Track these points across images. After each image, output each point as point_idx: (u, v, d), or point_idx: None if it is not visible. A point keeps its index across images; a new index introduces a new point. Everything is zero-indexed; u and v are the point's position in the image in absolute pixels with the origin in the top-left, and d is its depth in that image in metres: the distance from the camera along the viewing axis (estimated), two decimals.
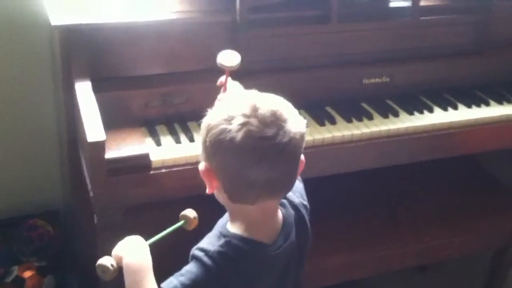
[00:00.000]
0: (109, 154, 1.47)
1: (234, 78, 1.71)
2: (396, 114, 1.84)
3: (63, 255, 2.19)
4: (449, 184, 2.24)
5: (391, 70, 1.92)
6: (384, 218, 2.03)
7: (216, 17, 1.74)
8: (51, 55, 2.01)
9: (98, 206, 1.51)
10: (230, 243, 1.17)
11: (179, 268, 1.19)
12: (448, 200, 2.15)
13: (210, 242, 1.18)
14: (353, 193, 2.13)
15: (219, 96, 1.58)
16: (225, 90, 1.56)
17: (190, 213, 1.33)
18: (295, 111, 1.16)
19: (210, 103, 1.69)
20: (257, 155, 1.09)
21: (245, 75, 1.74)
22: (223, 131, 1.10)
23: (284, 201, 1.28)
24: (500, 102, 1.99)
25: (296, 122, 1.13)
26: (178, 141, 1.62)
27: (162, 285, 1.15)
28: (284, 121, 1.11)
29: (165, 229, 1.25)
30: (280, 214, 1.25)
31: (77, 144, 1.72)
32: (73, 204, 1.92)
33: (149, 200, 1.57)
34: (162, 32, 1.69)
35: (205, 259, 1.14)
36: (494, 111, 1.94)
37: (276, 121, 1.10)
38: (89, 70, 1.60)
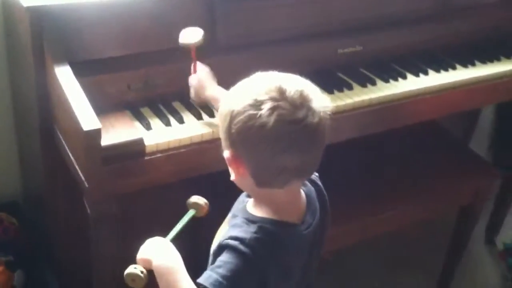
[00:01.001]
0: (103, 141, 1.39)
1: (213, 54, 1.68)
2: (373, 83, 1.86)
3: (30, 248, 2.09)
4: (412, 148, 2.29)
5: (363, 39, 1.93)
6: (357, 188, 2.04)
7: None
8: (5, 39, 1.87)
9: (92, 197, 1.44)
10: (263, 228, 1.13)
11: None
12: (413, 164, 2.19)
13: (242, 230, 1.14)
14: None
15: (190, 79, 1.56)
16: (195, 71, 1.53)
17: (199, 200, 1.30)
18: (317, 89, 1.13)
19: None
20: (290, 139, 1.06)
21: (223, 51, 1.71)
22: (252, 117, 1.05)
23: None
24: (465, 65, 2.04)
25: (322, 100, 1.11)
26: (168, 123, 1.56)
27: (199, 280, 1.10)
28: (311, 100, 1.08)
29: (168, 225, 1.21)
30: (302, 192, 1.23)
31: (51, 132, 1.62)
32: (47, 195, 1.81)
33: (143, 187, 1.52)
34: (137, 10, 1.61)
35: (242, 247, 1.10)
36: (461, 74, 1.99)
37: (304, 102, 1.07)
38: (66, 54, 1.50)
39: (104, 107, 1.51)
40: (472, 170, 2.19)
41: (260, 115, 1.05)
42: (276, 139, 1.06)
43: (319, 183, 1.30)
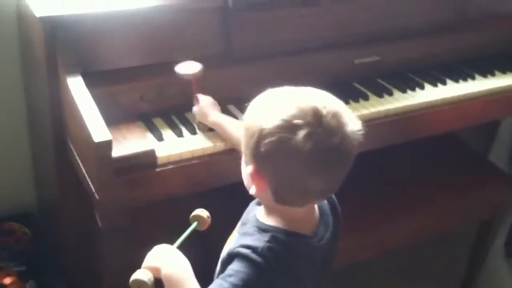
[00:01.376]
0: (114, 152, 1.37)
1: (228, 65, 1.67)
2: (390, 93, 1.83)
3: (42, 258, 2.08)
4: (430, 160, 2.24)
5: (380, 49, 1.91)
6: (374, 200, 2.00)
7: (207, 2, 1.66)
8: (20, 49, 1.87)
9: (103, 209, 1.42)
10: (276, 238, 1.10)
11: None
12: (431, 176, 2.15)
13: (254, 238, 1.11)
14: None
15: (194, 109, 1.56)
16: (197, 101, 1.51)
17: (202, 212, 1.27)
18: (349, 110, 1.10)
19: (205, 92, 1.64)
20: (321, 166, 1.04)
21: (238, 62, 1.70)
22: (285, 140, 1.02)
23: None
24: (484, 75, 2.01)
25: (354, 125, 1.07)
26: (180, 134, 1.54)
27: None
28: (345, 124, 1.05)
29: (176, 236, 1.19)
30: (317, 211, 1.20)
31: (64, 144, 1.61)
32: (60, 206, 1.80)
33: (154, 199, 1.50)
34: (151, 20, 1.60)
35: (254, 256, 1.07)
36: (480, 85, 1.96)
37: (339, 127, 1.04)
38: (79, 64, 1.50)
39: (117, 117, 1.50)
40: (492, 183, 2.14)
41: (295, 141, 1.01)
42: (308, 165, 1.03)
43: (333, 196, 1.27)
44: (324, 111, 1.03)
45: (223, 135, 1.52)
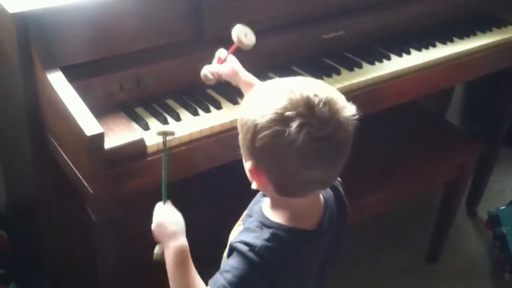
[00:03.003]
0: (105, 145, 1.36)
1: (201, 48, 1.67)
2: (359, 66, 1.87)
3: (22, 260, 2.04)
4: (394, 128, 2.31)
5: (346, 23, 1.94)
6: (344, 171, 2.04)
7: None
8: None
9: (97, 203, 1.41)
10: (277, 236, 1.11)
11: None
12: (397, 143, 2.22)
13: (254, 235, 1.12)
14: None
15: (222, 66, 1.50)
16: (224, 61, 1.48)
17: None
18: (342, 96, 1.10)
19: (182, 78, 1.64)
20: (318, 155, 1.04)
21: (210, 44, 1.69)
22: (279, 133, 1.02)
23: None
24: (444, 42, 2.07)
25: (348, 111, 1.07)
26: (165, 122, 1.54)
27: (210, 281, 1.12)
28: (338, 111, 1.05)
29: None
30: (321, 196, 1.21)
31: (44, 140, 1.58)
32: (37, 203, 1.77)
33: (146, 189, 1.49)
34: (124, 9, 1.57)
35: (251, 254, 1.09)
36: (441, 52, 2.02)
37: (333, 115, 1.04)
38: (55, 59, 1.47)
39: (98, 110, 1.47)
40: (455, 143, 2.23)
41: (289, 133, 1.01)
42: (304, 156, 1.03)
43: (341, 189, 1.28)
44: (316, 100, 1.03)
45: None
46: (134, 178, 1.44)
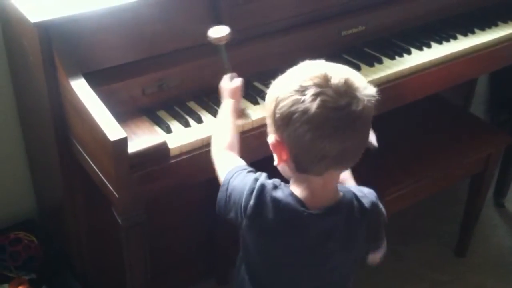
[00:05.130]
0: (129, 149, 1.38)
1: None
2: (380, 61, 1.87)
3: (52, 263, 2.08)
4: (420, 122, 2.30)
5: (365, 18, 1.94)
6: (372, 167, 2.03)
7: None
8: (6, 56, 1.84)
9: (123, 207, 1.44)
10: (278, 188, 1.19)
11: None
12: (423, 137, 2.20)
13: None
14: None
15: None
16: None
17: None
18: (364, 79, 1.16)
19: (204, 80, 1.66)
20: (331, 126, 1.08)
21: (232, 46, 1.70)
22: (295, 102, 1.08)
23: (357, 194, 1.25)
24: (465, 34, 2.06)
25: (367, 90, 1.12)
26: (187, 124, 1.55)
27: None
28: (356, 89, 1.10)
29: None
30: (339, 194, 1.23)
31: (69, 146, 1.61)
32: (65, 207, 1.80)
33: (170, 190, 1.52)
34: (143, 14, 1.59)
35: (253, 183, 1.20)
36: (462, 44, 2.01)
37: (348, 90, 1.09)
38: (78, 66, 1.49)
39: (122, 114, 1.50)
40: (481, 137, 2.21)
41: (304, 100, 1.07)
42: (318, 124, 1.08)
43: (372, 216, 1.26)
44: (334, 75, 1.10)
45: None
46: (157, 180, 1.46)
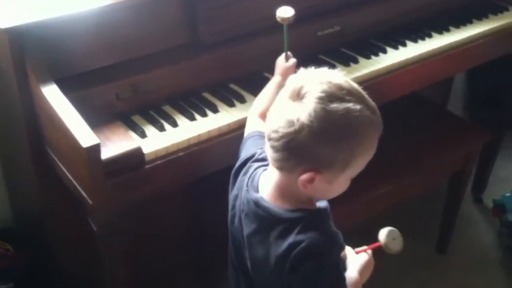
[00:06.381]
0: (103, 155, 1.36)
1: (198, 54, 1.67)
2: (356, 61, 1.86)
3: (29, 272, 2.05)
4: (398, 121, 2.29)
5: (341, 19, 1.93)
6: None
7: None
8: None
9: (98, 214, 1.42)
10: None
11: None
12: (403, 137, 2.19)
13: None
14: None
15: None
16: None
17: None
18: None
19: (179, 84, 1.64)
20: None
21: (207, 49, 1.70)
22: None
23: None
24: (440, 32, 2.06)
25: None
26: (162, 129, 1.54)
27: None
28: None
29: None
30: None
31: (43, 153, 1.59)
32: (42, 215, 1.77)
33: (147, 197, 1.49)
34: (117, 18, 1.57)
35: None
36: (438, 42, 2.01)
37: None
38: (49, 72, 1.47)
39: (95, 120, 1.47)
40: (460, 135, 2.22)
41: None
42: None
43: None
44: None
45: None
46: (133, 186, 1.44)
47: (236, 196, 1.29)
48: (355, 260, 1.32)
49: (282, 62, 1.58)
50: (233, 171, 1.34)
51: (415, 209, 2.63)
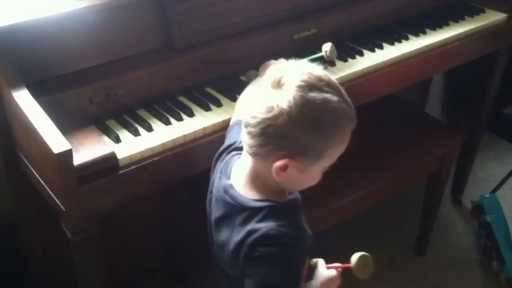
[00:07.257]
0: (75, 161, 1.34)
1: (171, 57, 1.66)
2: (332, 64, 1.86)
3: (3, 277, 2.02)
4: (375, 122, 2.29)
5: (317, 22, 1.92)
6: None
7: None
8: None
9: (71, 220, 1.39)
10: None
11: None
12: (379, 138, 2.20)
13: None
14: None
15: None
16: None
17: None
18: None
19: (154, 87, 1.62)
20: None
21: (180, 52, 1.68)
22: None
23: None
24: (416, 34, 2.06)
25: None
26: (137, 133, 1.52)
27: None
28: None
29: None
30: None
31: (15, 159, 1.56)
32: (15, 221, 1.75)
33: (122, 202, 1.48)
34: (90, 22, 1.55)
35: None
36: (414, 44, 2.01)
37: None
38: (21, 76, 1.44)
39: (68, 125, 1.46)
40: (437, 136, 2.22)
41: None
42: None
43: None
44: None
45: None
46: (106, 192, 1.42)
47: (214, 181, 1.32)
48: (324, 272, 1.33)
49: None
50: (214, 157, 1.37)
51: (394, 211, 2.63)
